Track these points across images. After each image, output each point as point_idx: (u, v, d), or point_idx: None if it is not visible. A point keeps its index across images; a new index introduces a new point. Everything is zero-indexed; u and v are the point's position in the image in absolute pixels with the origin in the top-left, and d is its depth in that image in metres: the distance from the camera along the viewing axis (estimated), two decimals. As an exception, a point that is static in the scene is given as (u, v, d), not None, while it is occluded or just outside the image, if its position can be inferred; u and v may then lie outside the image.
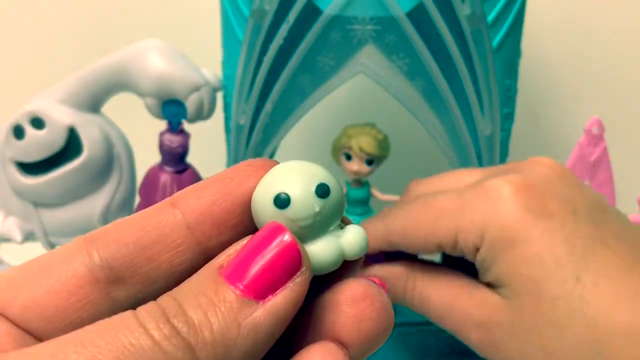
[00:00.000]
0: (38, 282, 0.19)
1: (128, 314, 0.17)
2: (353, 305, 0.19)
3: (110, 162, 0.56)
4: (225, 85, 0.53)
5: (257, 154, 0.51)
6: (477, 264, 0.38)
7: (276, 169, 0.19)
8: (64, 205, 0.56)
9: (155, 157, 0.55)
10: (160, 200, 0.60)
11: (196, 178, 0.56)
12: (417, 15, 0.45)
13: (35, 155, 0.53)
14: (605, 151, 0.51)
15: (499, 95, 0.48)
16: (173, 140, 0.54)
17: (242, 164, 0.20)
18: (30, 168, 0.54)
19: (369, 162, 0.55)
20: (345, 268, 0.20)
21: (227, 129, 0.54)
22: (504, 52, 0.47)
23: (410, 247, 0.42)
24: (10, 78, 0.74)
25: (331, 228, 0.19)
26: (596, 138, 0.50)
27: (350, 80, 0.48)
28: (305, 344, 0.19)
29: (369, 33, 0.45)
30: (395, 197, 0.58)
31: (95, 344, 0.16)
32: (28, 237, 0.57)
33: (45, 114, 0.52)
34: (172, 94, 0.52)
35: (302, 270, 0.18)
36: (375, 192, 0.58)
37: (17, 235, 0.56)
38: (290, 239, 0.18)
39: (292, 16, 0.45)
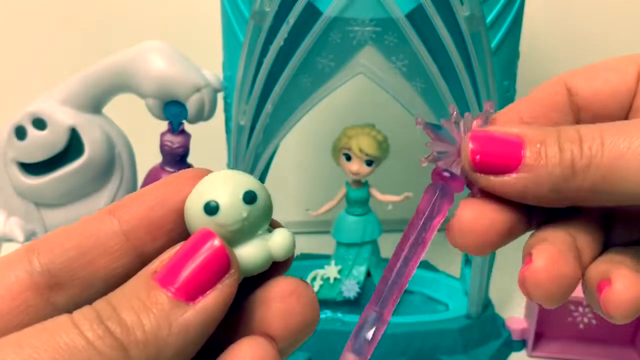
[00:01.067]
0: None
1: (64, 316, 0.18)
2: (281, 301, 0.20)
3: (112, 162, 0.56)
4: (226, 86, 0.53)
5: (258, 154, 0.52)
6: None
7: (207, 179, 0.20)
8: (65, 206, 0.56)
9: (156, 158, 0.56)
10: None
11: (197, 178, 0.56)
12: (417, 17, 0.45)
13: (37, 155, 0.54)
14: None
15: (497, 96, 0.48)
16: (174, 140, 0.54)
17: (177, 174, 0.21)
18: (32, 168, 0.55)
19: (369, 163, 0.55)
20: (275, 268, 0.21)
21: (228, 130, 0.54)
22: (502, 54, 0.48)
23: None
24: (12, 79, 0.74)
25: (260, 232, 0.20)
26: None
27: (350, 81, 0.48)
28: (238, 339, 0.20)
29: (368, 34, 0.46)
30: (394, 198, 0.58)
31: (32, 345, 0.17)
32: (30, 237, 0.58)
33: (47, 115, 0.53)
34: (173, 94, 0.52)
35: (231, 272, 0.19)
36: (375, 193, 0.58)
37: (19, 235, 0.57)
38: (219, 244, 0.19)
39: (292, 18, 0.46)
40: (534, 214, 0.24)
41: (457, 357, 0.55)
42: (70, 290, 0.20)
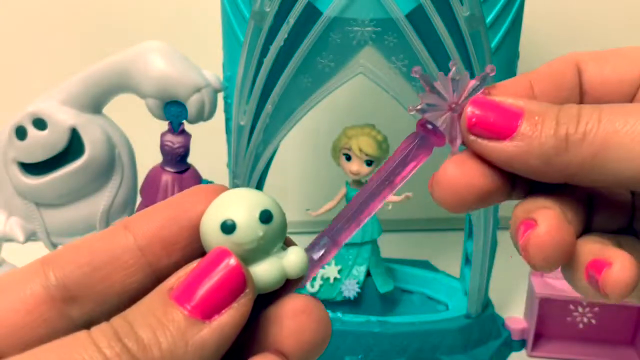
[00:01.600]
0: None
1: (82, 333, 0.18)
2: (293, 318, 0.20)
3: (112, 162, 0.56)
4: (226, 86, 0.53)
5: (258, 154, 0.52)
6: None
7: (223, 196, 0.20)
8: (66, 205, 0.56)
9: (156, 158, 0.56)
10: (161, 199, 0.60)
11: (197, 178, 0.56)
12: (416, 17, 0.45)
13: (37, 155, 0.54)
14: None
15: (497, 96, 0.48)
16: (174, 140, 0.55)
17: (192, 189, 0.21)
18: (32, 168, 0.55)
19: (369, 163, 0.55)
20: (288, 285, 0.21)
21: (228, 130, 0.54)
22: (502, 54, 0.48)
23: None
24: (12, 79, 0.74)
25: (274, 250, 0.20)
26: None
27: (350, 81, 0.48)
28: (250, 356, 0.20)
29: (368, 35, 0.46)
30: (394, 198, 0.58)
31: None
32: (30, 237, 0.58)
33: (48, 115, 0.53)
34: (174, 95, 0.52)
35: (246, 291, 0.19)
36: (375, 193, 0.58)
37: (20, 235, 0.57)
38: (235, 263, 0.19)
39: (292, 18, 0.46)
40: (518, 185, 0.24)
41: (457, 357, 0.56)
42: (86, 304, 0.20)
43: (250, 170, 0.52)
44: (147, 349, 0.18)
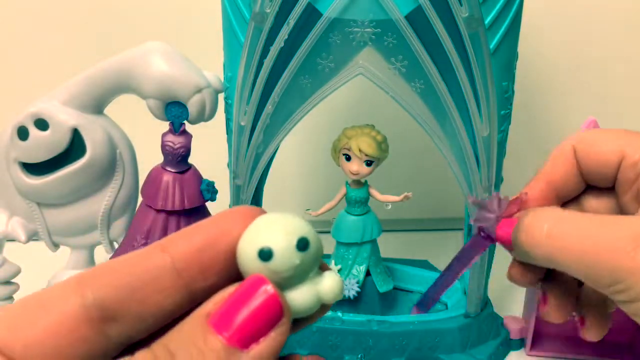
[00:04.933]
0: (37, 321, 0.20)
1: None
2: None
3: (113, 162, 0.56)
4: (227, 87, 0.53)
5: (258, 154, 0.52)
6: None
7: (260, 221, 0.20)
8: (67, 205, 0.57)
9: (157, 158, 0.56)
10: (162, 200, 0.60)
11: (198, 178, 0.57)
12: (416, 18, 0.45)
13: (39, 156, 0.54)
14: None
15: (496, 97, 0.49)
16: (175, 141, 0.55)
17: (230, 212, 0.21)
18: (34, 169, 0.55)
19: (368, 163, 0.55)
20: (322, 309, 0.21)
21: (229, 130, 0.54)
22: (501, 54, 0.48)
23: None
24: (14, 80, 0.74)
25: (310, 275, 0.20)
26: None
27: (349, 82, 0.48)
28: None
29: (368, 36, 0.46)
30: (394, 198, 0.58)
31: None
32: (32, 236, 0.58)
33: (49, 116, 0.53)
34: (175, 95, 0.53)
35: (283, 320, 0.19)
36: (374, 193, 0.58)
37: (21, 235, 0.57)
38: (272, 292, 0.19)
39: (292, 19, 0.46)
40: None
41: (456, 356, 0.56)
42: (123, 324, 0.20)
43: (251, 170, 0.52)
44: None
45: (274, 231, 0.20)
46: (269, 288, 0.19)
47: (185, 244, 0.20)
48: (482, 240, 0.36)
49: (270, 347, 0.19)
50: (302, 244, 0.20)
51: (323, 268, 0.21)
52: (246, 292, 0.19)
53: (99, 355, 0.19)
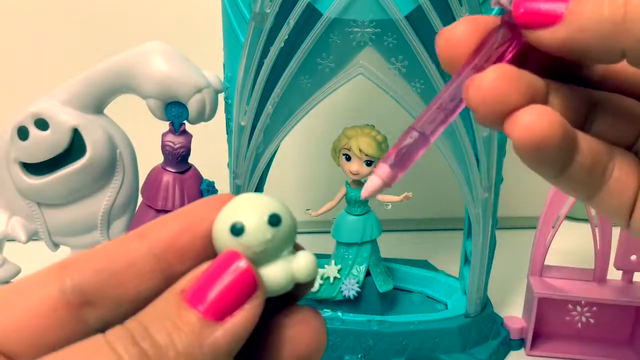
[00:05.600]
0: (16, 306, 0.20)
1: (98, 337, 0.19)
2: (292, 327, 0.21)
3: (113, 162, 0.56)
4: (227, 87, 0.53)
5: (258, 154, 0.52)
6: None
7: (234, 201, 0.21)
8: (67, 205, 0.56)
9: (157, 158, 0.56)
10: (162, 200, 0.60)
11: (198, 178, 0.57)
12: (416, 18, 0.45)
13: (39, 155, 0.54)
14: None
15: (496, 97, 0.49)
16: (175, 141, 0.55)
17: (206, 199, 0.22)
18: (34, 168, 0.55)
19: (368, 163, 0.55)
20: (297, 290, 0.21)
21: (229, 130, 0.55)
22: (501, 55, 0.48)
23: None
24: (14, 80, 0.74)
25: (284, 253, 0.21)
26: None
27: (350, 82, 0.49)
28: None
29: (368, 36, 0.46)
30: (394, 198, 0.58)
31: None
32: (32, 236, 0.58)
33: (49, 115, 0.53)
34: (175, 95, 0.53)
35: (257, 293, 0.19)
36: (375, 193, 0.58)
37: (22, 235, 0.57)
38: (245, 265, 0.20)
39: (292, 19, 0.46)
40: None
41: (456, 356, 0.56)
42: (101, 309, 0.20)
43: (251, 170, 0.53)
44: (164, 352, 0.18)
45: (246, 208, 0.20)
46: (242, 262, 0.19)
47: (163, 230, 0.21)
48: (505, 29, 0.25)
49: (245, 319, 0.19)
50: (274, 220, 0.20)
51: (297, 248, 0.22)
52: (220, 266, 0.19)
53: (76, 341, 0.19)
